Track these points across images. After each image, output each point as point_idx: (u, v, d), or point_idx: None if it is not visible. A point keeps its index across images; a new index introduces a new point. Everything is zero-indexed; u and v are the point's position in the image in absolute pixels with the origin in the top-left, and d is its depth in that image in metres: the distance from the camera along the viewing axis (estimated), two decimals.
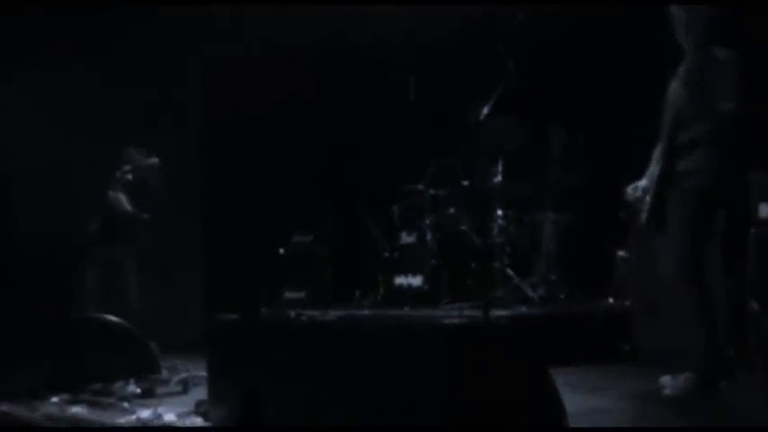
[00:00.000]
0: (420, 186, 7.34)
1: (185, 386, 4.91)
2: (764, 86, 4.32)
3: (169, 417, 3.97)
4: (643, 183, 4.40)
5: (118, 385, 4.70)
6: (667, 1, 4.26)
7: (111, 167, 7.63)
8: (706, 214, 4.20)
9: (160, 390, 4.80)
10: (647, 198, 4.29)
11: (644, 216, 4.31)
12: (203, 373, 4.29)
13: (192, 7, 7.92)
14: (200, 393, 4.25)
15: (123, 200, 7.29)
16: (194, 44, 8.36)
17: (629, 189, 4.48)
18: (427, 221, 7.11)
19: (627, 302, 5.93)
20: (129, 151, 7.47)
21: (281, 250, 8.76)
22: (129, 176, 7.47)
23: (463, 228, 6.97)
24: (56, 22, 7.71)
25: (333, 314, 5.95)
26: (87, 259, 7.41)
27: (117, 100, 8.26)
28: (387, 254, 7.35)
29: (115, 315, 5.70)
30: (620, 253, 6.12)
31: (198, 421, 3.90)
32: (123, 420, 3.95)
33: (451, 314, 5.99)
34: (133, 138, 7.71)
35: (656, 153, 4.30)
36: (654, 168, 4.31)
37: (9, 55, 7.70)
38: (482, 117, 5.44)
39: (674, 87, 4.25)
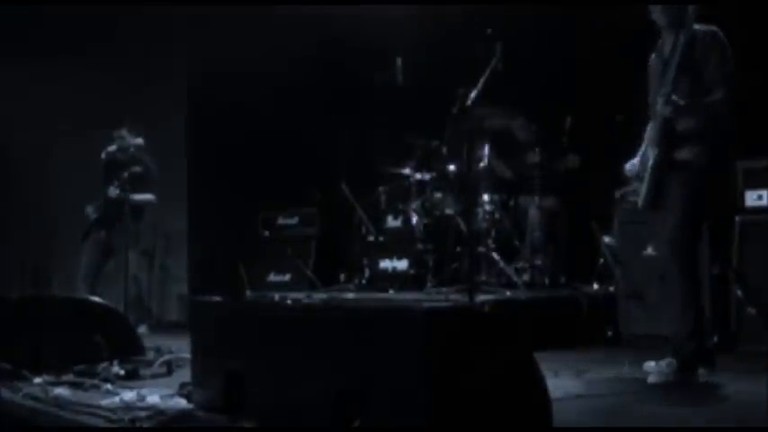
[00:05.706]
0: (406, 170, 7.32)
1: (169, 368, 4.90)
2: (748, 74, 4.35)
3: (152, 398, 3.95)
4: (635, 161, 4.44)
5: (102, 366, 4.68)
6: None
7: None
8: (702, 198, 4.22)
9: (144, 371, 4.79)
10: (646, 177, 4.29)
11: (640, 199, 4.33)
12: (187, 355, 4.28)
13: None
14: (185, 375, 4.24)
15: (118, 191, 7.13)
16: (181, 31, 8.35)
17: (628, 165, 4.50)
18: (413, 205, 7.09)
19: (611, 288, 5.95)
20: (120, 132, 7.42)
21: (266, 233, 8.75)
22: (117, 155, 7.42)
23: (449, 212, 6.96)
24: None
25: (317, 297, 5.94)
26: (86, 241, 7.43)
27: (105, 84, 8.27)
28: (372, 237, 7.34)
29: (101, 296, 5.70)
30: (606, 239, 6.14)
31: (182, 403, 3.89)
32: (106, 402, 3.93)
33: (436, 298, 5.99)
34: (122, 120, 7.70)
35: (648, 132, 4.33)
36: (646, 149, 4.33)
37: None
38: (469, 101, 5.42)
39: (655, 61, 4.38)
